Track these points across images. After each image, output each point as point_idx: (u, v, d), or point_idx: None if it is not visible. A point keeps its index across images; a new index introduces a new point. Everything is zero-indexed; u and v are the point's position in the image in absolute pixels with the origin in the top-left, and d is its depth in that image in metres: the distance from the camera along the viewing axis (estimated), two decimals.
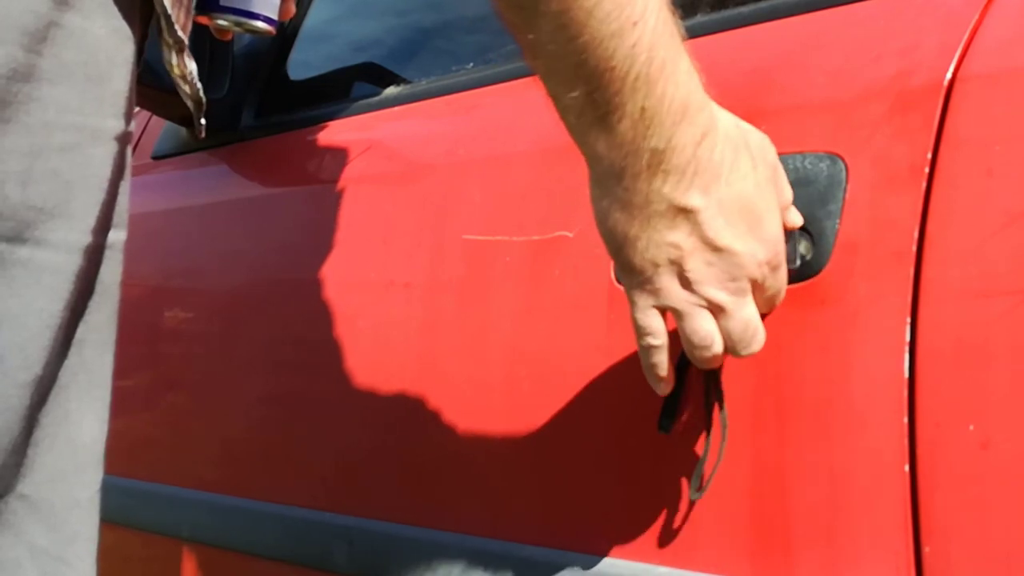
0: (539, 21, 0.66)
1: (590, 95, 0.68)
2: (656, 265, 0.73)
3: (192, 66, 0.76)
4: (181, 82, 0.77)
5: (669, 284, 0.74)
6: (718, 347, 0.76)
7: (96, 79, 0.67)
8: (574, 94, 0.68)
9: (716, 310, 0.75)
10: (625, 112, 0.68)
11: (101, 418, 0.72)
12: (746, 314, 0.75)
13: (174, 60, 0.75)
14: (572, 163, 0.74)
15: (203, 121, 0.82)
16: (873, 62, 0.81)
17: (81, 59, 0.66)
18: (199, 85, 0.79)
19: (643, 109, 0.68)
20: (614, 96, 0.68)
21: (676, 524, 0.85)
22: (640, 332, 0.77)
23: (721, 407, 0.82)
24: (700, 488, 0.82)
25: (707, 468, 0.82)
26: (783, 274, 0.77)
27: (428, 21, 1.57)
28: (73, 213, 0.67)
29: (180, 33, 0.73)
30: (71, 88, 0.66)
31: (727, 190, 0.72)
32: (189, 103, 0.80)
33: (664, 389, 0.80)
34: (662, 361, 0.78)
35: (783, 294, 0.78)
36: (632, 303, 0.76)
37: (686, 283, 0.73)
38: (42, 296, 0.66)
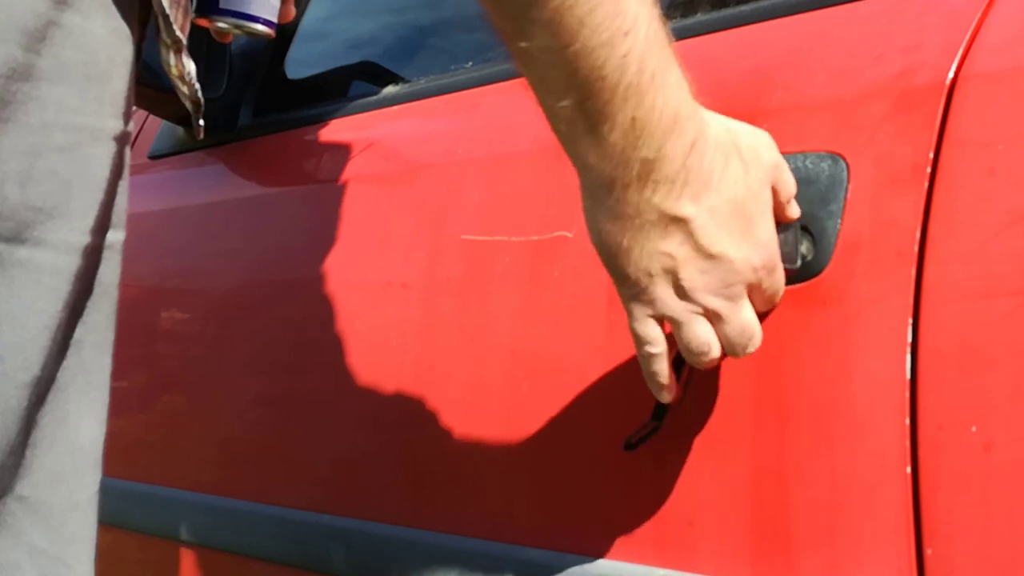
0: (531, 29, 0.66)
1: (581, 104, 0.68)
2: (650, 275, 0.73)
3: (190, 66, 0.76)
4: (179, 82, 0.77)
5: (664, 293, 0.74)
6: (716, 352, 0.76)
7: (96, 79, 0.67)
8: (565, 103, 0.68)
9: (712, 316, 0.75)
10: (616, 122, 0.68)
11: (100, 419, 0.72)
12: (743, 318, 0.75)
13: (172, 60, 0.75)
14: (572, 164, 0.73)
15: (201, 122, 0.82)
16: (875, 61, 0.81)
17: (81, 59, 0.66)
18: (197, 86, 0.78)
19: (633, 119, 0.68)
20: (605, 105, 0.68)
21: (676, 526, 0.85)
22: (639, 342, 0.77)
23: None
24: (632, 446, 0.84)
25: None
26: (780, 274, 0.77)
27: (426, 19, 1.57)
28: (72, 213, 0.66)
29: (178, 33, 0.73)
30: (70, 88, 0.65)
31: (718, 197, 0.72)
32: (187, 103, 0.79)
33: (667, 396, 0.80)
34: (663, 368, 0.78)
35: (781, 293, 0.78)
36: (629, 313, 0.76)
37: (681, 292, 0.74)
38: (41, 297, 0.65)
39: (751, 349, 0.77)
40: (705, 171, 0.72)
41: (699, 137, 0.71)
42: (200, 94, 0.79)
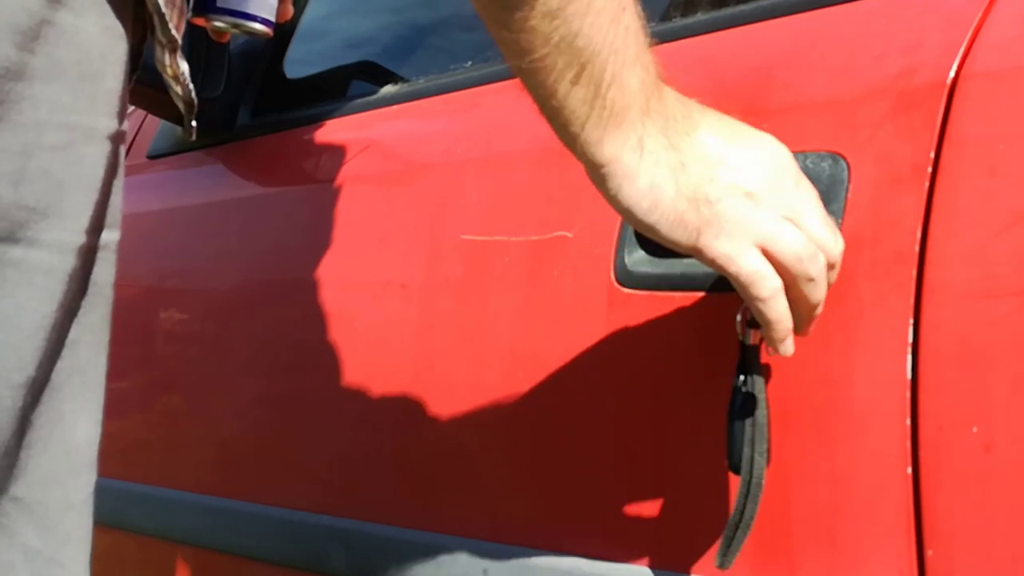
0: (532, 21, 0.66)
1: (597, 85, 0.68)
2: (721, 198, 0.72)
3: (184, 67, 0.76)
4: (173, 83, 0.77)
5: (745, 208, 0.72)
6: (821, 256, 0.74)
7: (89, 78, 0.67)
8: (579, 86, 0.68)
9: (792, 214, 0.73)
10: (631, 88, 0.69)
11: (95, 420, 0.72)
12: (815, 207, 0.74)
13: (167, 60, 0.75)
14: (572, 163, 0.73)
15: (194, 123, 0.82)
16: (875, 60, 0.81)
17: (74, 57, 0.65)
18: (191, 86, 0.78)
19: (642, 80, 0.70)
20: (618, 78, 0.69)
21: (676, 527, 0.85)
22: (753, 281, 0.73)
23: (757, 458, 0.77)
24: (726, 555, 0.77)
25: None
26: (809, 184, 0.76)
27: (425, 18, 1.57)
28: (66, 213, 0.66)
29: (173, 32, 0.73)
30: (64, 87, 0.65)
31: (711, 114, 0.74)
32: (180, 104, 0.79)
33: (791, 347, 0.75)
34: (787, 307, 0.74)
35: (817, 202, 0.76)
36: (726, 258, 0.72)
37: (756, 199, 0.72)
38: (35, 297, 0.65)
39: (841, 244, 0.75)
40: (688, 100, 0.74)
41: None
42: (194, 95, 0.79)
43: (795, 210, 0.73)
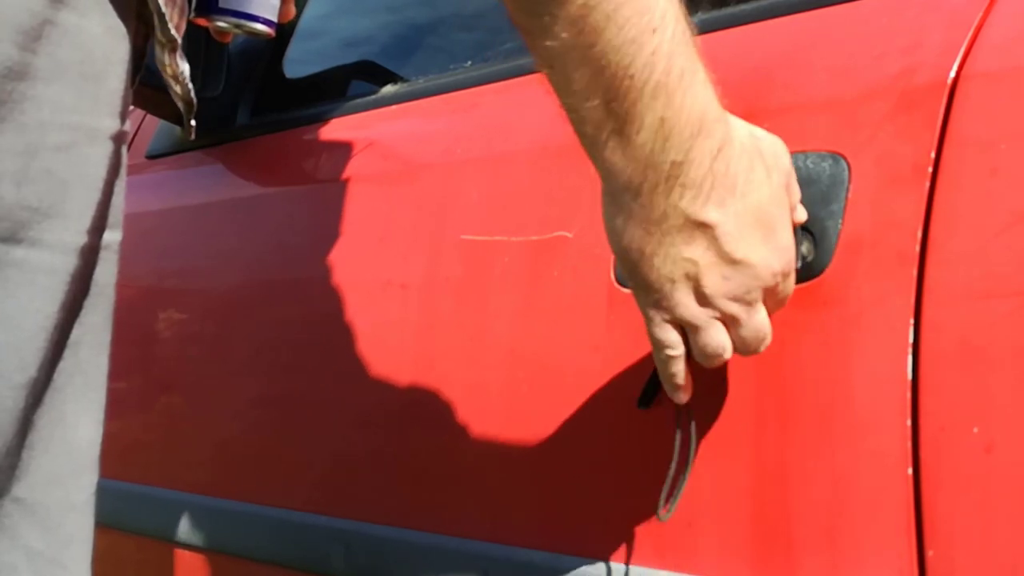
0: (556, 27, 0.65)
1: (608, 104, 0.67)
2: (672, 281, 0.72)
3: (184, 66, 0.76)
4: (172, 82, 0.77)
5: (685, 299, 0.73)
6: (728, 354, 0.76)
7: (92, 78, 0.67)
8: (592, 104, 0.67)
9: (729, 320, 0.74)
10: (644, 123, 0.67)
11: (97, 420, 0.72)
12: (757, 321, 0.75)
13: (166, 59, 0.75)
14: (572, 163, 0.73)
15: (193, 122, 0.82)
16: (876, 60, 0.81)
17: (77, 57, 0.65)
18: (190, 86, 0.78)
19: (662, 120, 0.67)
20: (633, 106, 0.67)
21: (676, 527, 0.85)
22: (658, 346, 0.76)
23: (689, 415, 0.81)
24: (668, 510, 0.81)
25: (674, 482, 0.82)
26: (794, 278, 0.77)
27: (425, 18, 1.57)
28: (68, 213, 0.66)
29: (173, 32, 0.73)
30: (66, 87, 0.65)
31: (742, 202, 0.71)
32: (180, 103, 0.79)
33: (683, 397, 0.79)
34: (681, 370, 0.77)
35: (790, 294, 0.78)
36: (648, 318, 0.76)
37: (702, 298, 0.73)
38: (38, 297, 0.65)
39: (762, 349, 0.77)
40: (731, 176, 0.71)
41: (725, 141, 0.70)
42: (193, 94, 0.79)
43: (738, 318, 0.74)
